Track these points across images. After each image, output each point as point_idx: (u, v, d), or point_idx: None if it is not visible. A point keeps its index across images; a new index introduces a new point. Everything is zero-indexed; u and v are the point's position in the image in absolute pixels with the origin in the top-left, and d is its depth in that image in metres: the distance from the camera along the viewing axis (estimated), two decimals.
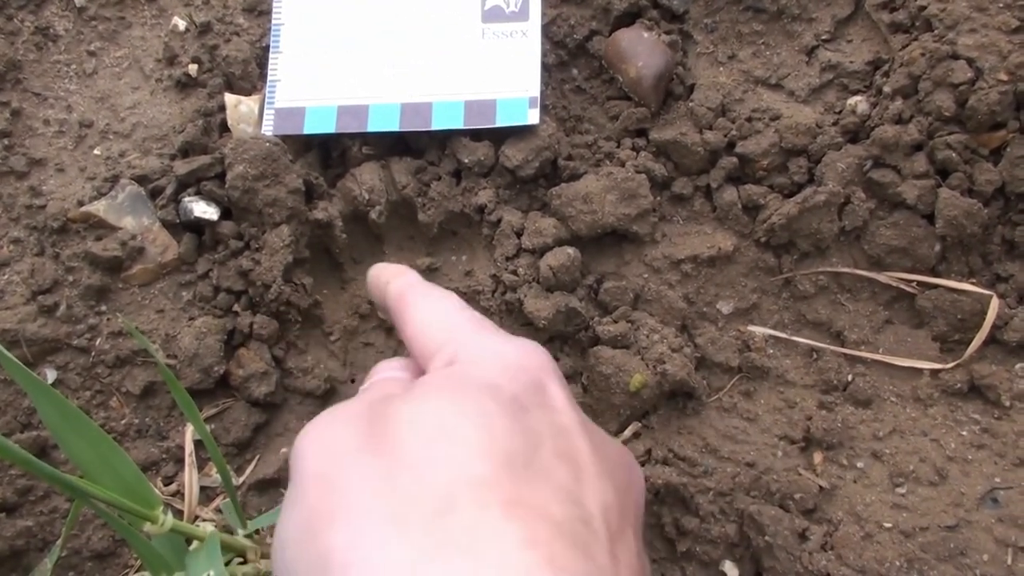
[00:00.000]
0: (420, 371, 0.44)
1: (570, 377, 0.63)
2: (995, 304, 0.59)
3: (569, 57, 0.66)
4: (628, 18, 0.65)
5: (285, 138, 0.63)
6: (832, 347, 0.62)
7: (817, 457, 0.60)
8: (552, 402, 0.38)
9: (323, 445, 0.36)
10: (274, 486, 0.61)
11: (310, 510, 0.34)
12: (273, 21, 0.67)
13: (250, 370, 0.60)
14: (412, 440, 0.33)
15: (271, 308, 0.61)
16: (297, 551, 0.34)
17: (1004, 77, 0.56)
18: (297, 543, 0.34)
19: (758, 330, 0.64)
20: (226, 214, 0.62)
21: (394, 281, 0.49)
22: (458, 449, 0.33)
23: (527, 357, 0.40)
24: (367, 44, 0.66)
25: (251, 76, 0.66)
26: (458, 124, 0.63)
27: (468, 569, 0.29)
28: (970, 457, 0.59)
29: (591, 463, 0.36)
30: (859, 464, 0.60)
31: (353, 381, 0.65)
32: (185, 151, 0.64)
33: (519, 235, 0.62)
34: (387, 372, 0.45)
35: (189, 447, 0.60)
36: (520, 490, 0.32)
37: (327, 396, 0.64)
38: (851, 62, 0.63)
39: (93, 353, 0.60)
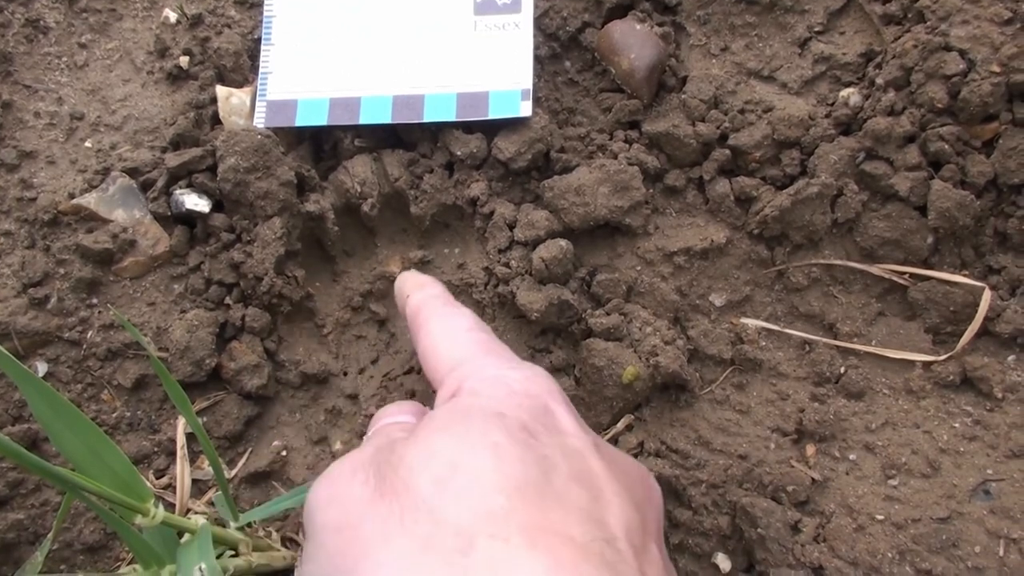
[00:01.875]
0: (422, 412, 0.44)
1: (563, 369, 0.63)
2: (987, 296, 0.59)
3: (562, 49, 0.66)
4: (621, 10, 0.65)
5: (277, 130, 0.63)
6: (825, 339, 0.62)
7: (809, 449, 0.60)
8: (561, 425, 0.38)
9: (335, 497, 0.36)
10: (266, 479, 0.61)
11: (331, 564, 0.34)
12: (265, 13, 0.67)
13: (242, 363, 0.60)
14: (423, 481, 0.33)
15: (263, 301, 0.61)
16: None
17: (996, 69, 0.56)
18: None
19: (751, 322, 0.64)
20: (218, 207, 0.62)
21: (413, 295, 0.49)
22: (470, 484, 0.32)
23: (531, 383, 0.40)
24: (359, 36, 0.65)
25: (243, 68, 0.66)
26: (450, 116, 0.63)
27: None
28: (962, 449, 0.59)
29: (608, 482, 0.36)
30: (851, 456, 0.60)
31: (346, 374, 0.65)
32: (176, 143, 0.64)
33: (512, 227, 0.62)
34: (390, 418, 0.45)
35: (181, 440, 0.60)
36: (539, 517, 0.32)
37: (319, 388, 0.64)
38: (844, 54, 0.63)
39: (84, 346, 0.60)
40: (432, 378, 0.43)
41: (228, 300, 0.62)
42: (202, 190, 0.61)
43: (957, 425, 0.59)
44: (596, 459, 0.37)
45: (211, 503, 0.59)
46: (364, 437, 0.43)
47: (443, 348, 0.44)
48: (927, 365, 0.61)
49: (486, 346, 0.44)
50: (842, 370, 0.62)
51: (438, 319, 0.46)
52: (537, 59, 0.64)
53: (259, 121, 0.64)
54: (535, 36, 0.64)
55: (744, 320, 0.64)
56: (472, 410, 0.37)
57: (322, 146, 0.66)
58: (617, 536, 0.34)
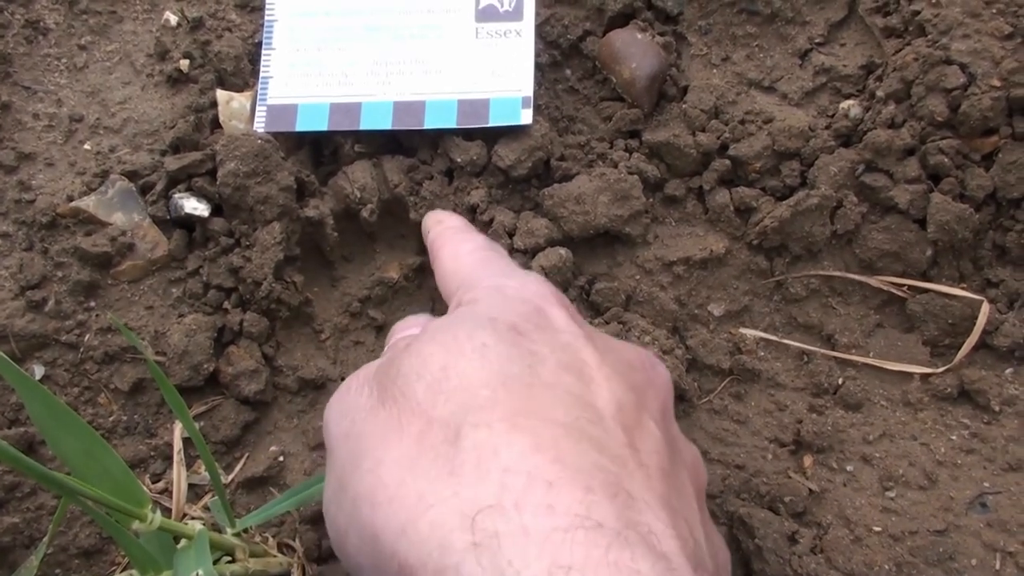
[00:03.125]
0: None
1: None
2: (986, 309, 0.59)
3: (562, 57, 0.66)
4: (622, 19, 0.65)
5: (277, 135, 0.63)
6: (823, 350, 0.63)
7: (807, 460, 0.60)
8: (553, 323, 0.39)
9: (342, 410, 0.39)
10: (263, 484, 0.61)
11: (340, 467, 0.36)
12: (266, 17, 0.66)
13: (240, 368, 0.60)
14: (417, 386, 0.35)
15: (261, 306, 0.61)
16: (335, 507, 0.36)
17: (996, 83, 0.56)
18: (333, 498, 0.36)
19: (749, 333, 0.64)
20: (217, 211, 0.62)
21: (432, 230, 0.52)
22: (459, 383, 0.34)
23: (525, 288, 0.41)
24: (360, 42, 0.65)
25: (243, 72, 0.66)
26: (451, 123, 0.63)
27: (477, 482, 0.30)
28: (959, 462, 0.59)
29: (599, 368, 0.37)
30: (849, 467, 0.60)
31: (343, 380, 0.64)
32: (176, 147, 0.63)
33: (511, 235, 0.62)
34: (401, 332, 0.47)
35: (178, 445, 0.59)
36: (522, 405, 0.33)
37: (317, 394, 0.64)
38: (844, 66, 0.63)
39: (82, 349, 0.60)
40: (446, 301, 0.45)
41: (226, 305, 0.61)
42: (201, 194, 0.61)
43: (954, 437, 0.60)
44: (589, 350, 0.38)
45: (207, 508, 0.59)
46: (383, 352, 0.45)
47: (450, 270, 0.46)
48: (925, 377, 0.61)
49: (487, 261, 0.46)
50: (840, 381, 0.62)
51: (447, 247, 0.49)
52: (538, 67, 0.64)
53: (259, 126, 0.64)
54: (536, 44, 0.64)
55: (743, 330, 0.64)
56: (464, 317, 0.39)
57: (322, 151, 0.66)
58: (605, 416, 0.35)
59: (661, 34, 0.65)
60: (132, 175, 0.63)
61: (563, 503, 0.29)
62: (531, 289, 0.41)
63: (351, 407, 0.38)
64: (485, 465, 0.31)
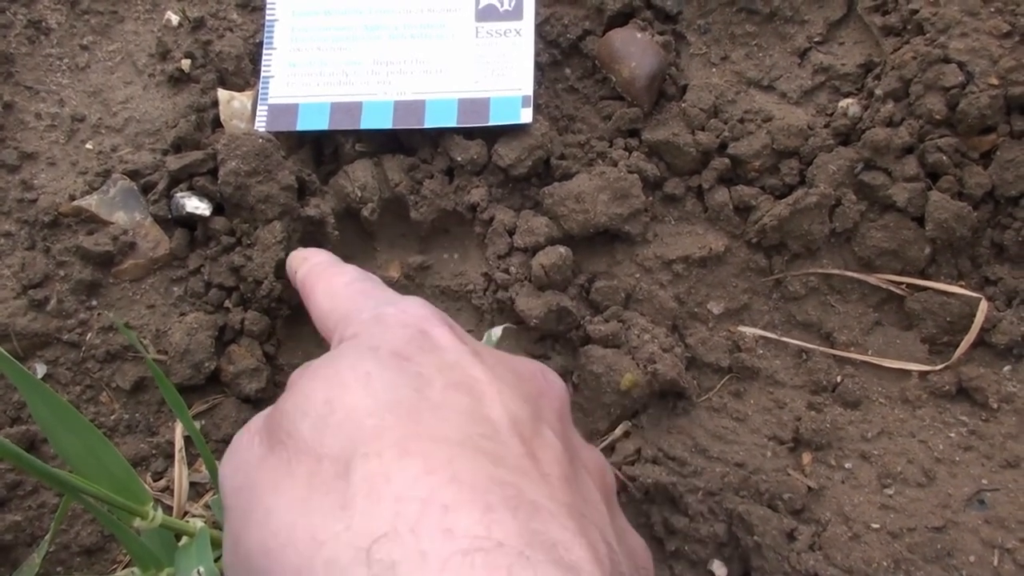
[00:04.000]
0: None
1: (560, 375, 0.63)
2: (984, 307, 0.59)
3: (562, 56, 0.66)
4: (621, 18, 0.65)
5: (278, 134, 0.63)
6: (822, 348, 0.63)
7: (806, 457, 0.61)
8: (437, 344, 0.37)
9: (235, 464, 0.36)
10: None
11: (233, 523, 0.34)
12: (267, 17, 0.67)
13: (241, 366, 0.60)
14: (302, 425, 0.33)
15: (263, 304, 0.61)
16: (231, 567, 0.34)
17: (994, 81, 0.56)
18: (229, 558, 0.34)
19: (748, 331, 0.64)
20: (218, 210, 0.62)
21: (300, 269, 0.50)
22: (344, 416, 0.33)
23: (404, 314, 0.39)
24: (360, 41, 0.66)
25: (244, 72, 0.66)
26: (451, 122, 0.63)
27: (369, 512, 0.29)
28: (958, 459, 0.59)
29: (489, 382, 0.36)
30: (847, 465, 0.60)
31: None
32: (178, 146, 0.64)
33: (511, 234, 0.63)
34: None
35: (179, 443, 0.60)
36: (411, 428, 0.32)
37: None
38: (843, 64, 0.63)
39: (83, 348, 0.60)
40: (326, 340, 0.43)
41: (228, 303, 0.62)
42: (203, 193, 0.62)
43: (953, 435, 0.60)
44: (477, 366, 0.36)
45: (208, 506, 0.59)
46: None
47: (326, 309, 0.44)
48: (923, 375, 0.61)
49: (364, 292, 0.44)
50: (839, 379, 0.62)
51: (320, 283, 0.46)
52: (538, 66, 0.65)
53: (260, 125, 0.64)
54: (536, 43, 0.64)
55: (742, 328, 0.64)
56: (345, 351, 0.37)
57: (323, 150, 0.66)
58: (500, 429, 0.34)
59: (660, 33, 0.65)
60: (134, 174, 0.63)
61: (462, 525, 0.28)
62: (411, 313, 0.40)
63: (241, 460, 0.36)
64: (376, 494, 0.29)
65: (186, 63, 0.66)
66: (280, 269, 0.60)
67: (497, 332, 0.60)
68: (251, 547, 0.32)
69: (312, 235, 0.64)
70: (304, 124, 0.64)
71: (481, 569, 0.27)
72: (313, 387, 0.34)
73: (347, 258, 0.65)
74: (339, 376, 0.34)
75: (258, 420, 0.38)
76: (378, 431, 0.31)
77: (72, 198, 0.62)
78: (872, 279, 0.62)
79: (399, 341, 0.37)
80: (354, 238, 0.66)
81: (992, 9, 0.58)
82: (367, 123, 0.63)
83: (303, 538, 0.30)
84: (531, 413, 0.36)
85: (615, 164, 0.63)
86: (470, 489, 0.29)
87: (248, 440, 0.36)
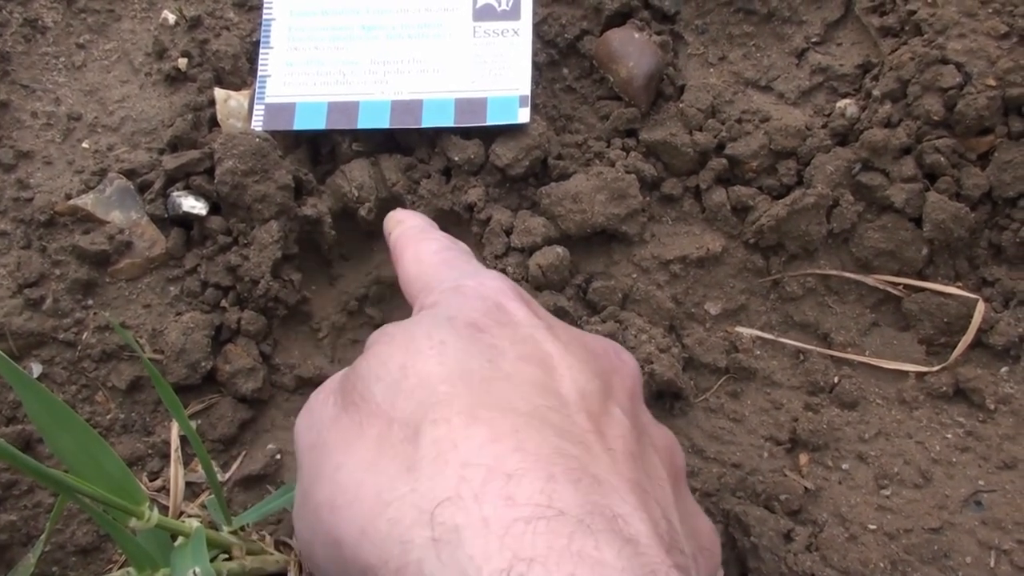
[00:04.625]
0: None
1: None
2: (981, 308, 0.59)
3: (560, 56, 0.66)
4: (619, 18, 0.65)
5: (275, 134, 0.63)
6: (819, 349, 0.63)
7: (803, 458, 0.61)
8: (513, 318, 0.38)
9: (308, 423, 0.38)
10: (260, 482, 0.61)
11: (305, 479, 0.36)
12: (264, 16, 0.67)
13: (237, 366, 0.60)
14: (376, 388, 0.34)
15: (259, 304, 0.61)
16: (300, 520, 0.35)
17: (992, 82, 0.56)
18: (299, 511, 0.36)
19: (746, 331, 0.64)
20: (215, 209, 0.62)
21: (394, 231, 0.50)
22: (418, 382, 0.33)
23: (483, 286, 0.40)
24: (358, 40, 0.65)
25: (241, 71, 0.66)
26: (448, 122, 0.63)
27: (435, 476, 0.30)
28: (954, 460, 0.59)
29: (561, 357, 0.36)
30: (844, 466, 0.60)
31: None
32: (174, 145, 0.64)
33: (508, 234, 0.62)
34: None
35: (175, 443, 0.60)
36: (481, 397, 0.32)
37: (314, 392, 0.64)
38: (841, 65, 0.63)
39: (79, 347, 0.60)
40: (411, 304, 0.44)
41: (224, 303, 0.61)
42: (199, 192, 0.61)
43: (950, 436, 0.60)
44: (549, 341, 0.37)
45: (204, 506, 0.59)
46: None
47: (413, 274, 0.45)
48: (920, 376, 0.61)
49: (449, 262, 0.45)
50: (836, 380, 0.62)
51: (409, 249, 0.47)
52: (535, 66, 0.65)
53: (257, 124, 0.64)
54: (534, 43, 0.64)
55: (739, 329, 0.64)
56: (422, 319, 0.38)
57: (320, 150, 0.66)
58: (569, 403, 0.34)
59: (658, 33, 0.65)
60: (130, 173, 0.63)
61: (524, 493, 0.29)
62: (489, 286, 0.40)
63: (316, 419, 0.37)
64: (443, 459, 0.30)
65: (183, 62, 0.66)
66: (277, 268, 0.60)
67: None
68: (320, 501, 0.33)
69: (309, 234, 0.64)
70: (301, 123, 0.64)
71: (543, 536, 0.27)
72: (390, 352, 0.35)
73: (343, 257, 0.66)
74: (415, 343, 0.35)
75: (334, 380, 0.39)
76: (449, 398, 0.32)
77: (68, 197, 0.61)
78: (869, 280, 0.62)
79: (475, 312, 0.38)
80: (351, 238, 0.66)
81: (990, 10, 0.58)
82: (364, 123, 0.63)
83: (369, 496, 0.31)
84: (600, 389, 0.36)
85: (612, 164, 0.63)
86: (534, 459, 0.30)
87: (323, 399, 0.38)
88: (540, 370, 0.35)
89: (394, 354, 0.35)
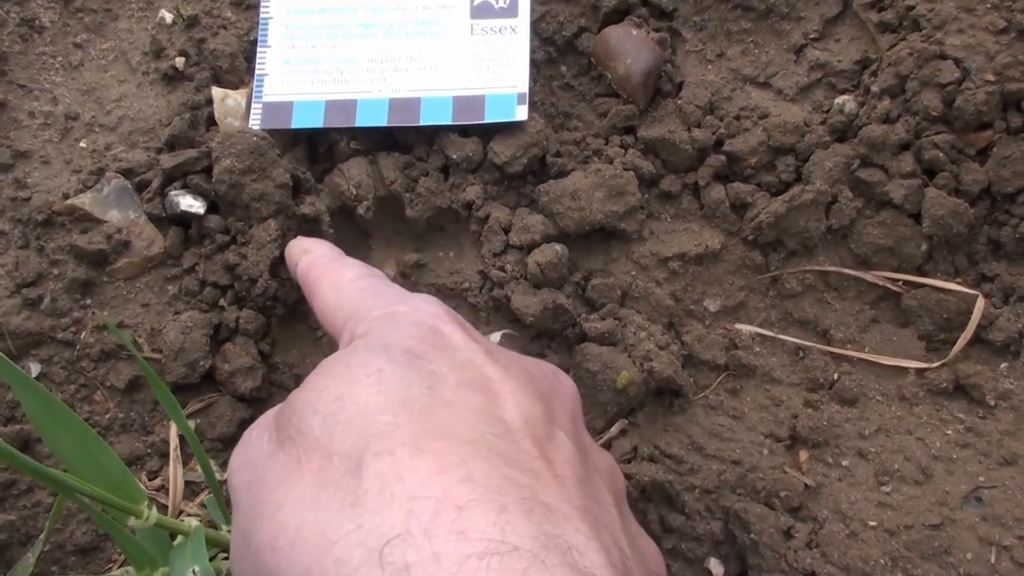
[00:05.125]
0: None
1: None
2: (980, 304, 0.59)
3: (558, 54, 0.66)
4: (617, 15, 0.65)
5: (272, 132, 0.63)
6: (818, 345, 0.63)
7: (803, 455, 0.60)
8: (450, 343, 0.37)
9: (244, 459, 0.37)
10: None
11: (242, 519, 0.34)
12: (261, 15, 0.66)
13: (236, 365, 0.60)
14: (312, 422, 0.33)
15: (257, 303, 0.61)
16: (239, 562, 0.34)
17: (991, 77, 0.56)
18: (237, 553, 0.34)
19: (745, 328, 0.64)
20: (213, 208, 0.62)
21: (301, 261, 0.49)
22: (356, 412, 0.32)
23: (417, 311, 0.39)
24: (355, 38, 0.65)
25: (238, 70, 0.66)
26: (446, 120, 0.63)
27: (382, 511, 0.29)
28: (955, 456, 0.59)
29: (502, 381, 0.36)
30: (844, 462, 0.60)
31: None
32: (172, 144, 0.63)
33: (507, 231, 0.62)
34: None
35: (174, 442, 0.60)
36: (424, 426, 0.31)
37: None
38: (839, 61, 0.63)
39: (78, 347, 0.60)
40: (332, 336, 0.43)
41: (222, 302, 0.61)
42: (197, 191, 0.61)
43: (950, 432, 0.60)
44: (489, 365, 0.36)
45: (204, 505, 0.59)
46: None
47: (333, 304, 0.44)
48: (920, 372, 0.61)
49: (373, 289, 0.44)
50: (835, 376, 0.62)
51: (325, 278, 0.46)
52: (533, 63, 0.65)
53: (255, 123, 0.64)
54: (531, 40, 0.64)
55: (738, 326, 0.64)
56: (357, 348, 0.37)
57: (317, 148, 0.66)
58: (514, 429, 0.33)
59: (656, 30, 0.65)
60: (128, 173, 0.63)
61: (476, 526, 0.28)
62: (424, 310, 0.39)
63: (252, 455, 0.36)
64: (389, 492, 0.29)
65: (180, 61, 0.66)
66: (275, 267, 0.60)
67: (496, 337, 0.60)
68: (260, 543, 0.32)
69: (307, 233, 0.63)
70: (299, 122, 0.64)
71: (496, 572, 0.26)
72: (325, 383, 0.34)
73: None
74: (351, 372, 0.34)
75: (269, 416, 0.38)
76: (390, 428, 0.31)
77: (66, 196, 0.61)
78: (869, 276, 0.62)
79: (412, 339, 0.37)
80: (349, 236, 0.66)
81: (988, 5, 0.57)
82: (362, 121, 0.63)
83: (313, 536, 0.30)
84: (544, 413, 0.36)
85: (611, 161, 0.63)
86: (484, 489, 0.29)
87: (258, 436, 0.36)
88: (482, 396, 0.34)
89: (330, 385, 0.34)
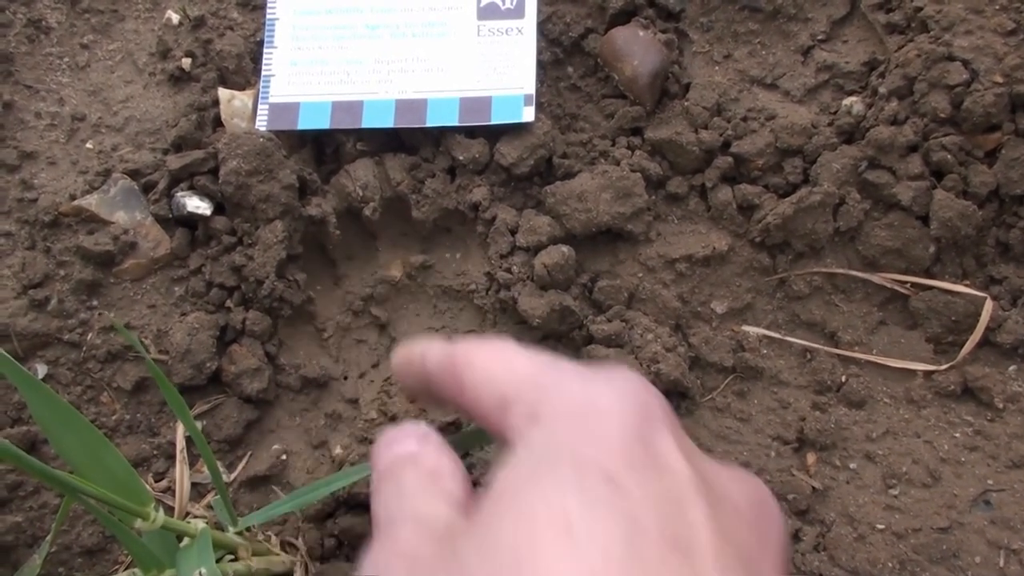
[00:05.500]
0: (426, 436, 0.36)
1: None
2: (989, 306, 0.59)
3: (564, 55, 0.66)
4: (624, 16, 0.65)
5: (279, 133, 0.63)
6: (826, 348, 0.62)
7: (810, 458, 0.60)
8: (661, 459, 0.30)
9: None
10: (265, 482, 0.61)
11: None
12: (267, 15, 0.66)
13: (242, 366, 0.60)
14: None
15: (264, 304, 0.61)
16: None
17: (999, 79, 0.56)
18: None
19: (752, 330, 0.63)
20: (219, 209, 0.62)
21: (430, 350, 0.38)
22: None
23: (624, 401, 0.31)
24: (362, 39, 0.65)
25: (245, 71, 0.66)
26: (453, 121, 0.63)
27: None
28: (963, 459, 0.59)
29: (709, 541, 0.28)
30: (852, 465, 0.60)
31: (346, 378, 0.64)
32: (178, 146, 0.63)
33: (513, 233, 0.62)
34: (397, 447, 0.36)
35: (180, 443, 0.59)
36: None
37: (319, 392, 0.64)
38: (847, 63, 0.63)
39: (84, 348, 0.60)
40: (490, 416, 0.34)
41: (229, 303, 0.61)
42: (204, 193, 0.61)
43: (958, 435, 0.59)
44: (699, 506, 0.28)
45: (210, 507, 0.59)
46: (372, 471, 0.35)
47: (500, 373, 0.34)
48: (928, 375, 0.61)
49: (552, 361, 0.34)
50: (843, 379, 0.62)
51: (484, 351, 0.36)
52: (540, 64, 0.64)
53: (261, 124, 0.64)
54: (538, 41, 0.64)
55: (745, 328, 0.64)
56: (541, 466, 0.29)
57: (324, 149, 0.66)
58: None
59: (663, 31, 0.64)
60: (134, 174, 0.63)
61: None
62: (630, 402, 0.31)
63: None
64: None
65: (187, 62, 0.66)
66: (282, 268, 0.60)
67: None
68: None
69: (314, 234, 0.64)
70: (305, 123, 0.63)
71: None
72: (500, 532, 0.28)
73: (348, 257, 0.66)
74: (534, 517, 0.27)
75: (411, 547, 0.31)
76: None
77: (72, 197, 0.61)
78: (876, 278, 0.62)
79: (612, 452, 0.29)
80: (355, 238, 0.66)
81: (997, 7, 0.57)
82: (368, 122, 0.63)
83: None
84: None
85: (618, 163, 0.63)
86: None
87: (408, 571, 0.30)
88: (684, 560, 0.27)
89: (508, 533, 0.27)
